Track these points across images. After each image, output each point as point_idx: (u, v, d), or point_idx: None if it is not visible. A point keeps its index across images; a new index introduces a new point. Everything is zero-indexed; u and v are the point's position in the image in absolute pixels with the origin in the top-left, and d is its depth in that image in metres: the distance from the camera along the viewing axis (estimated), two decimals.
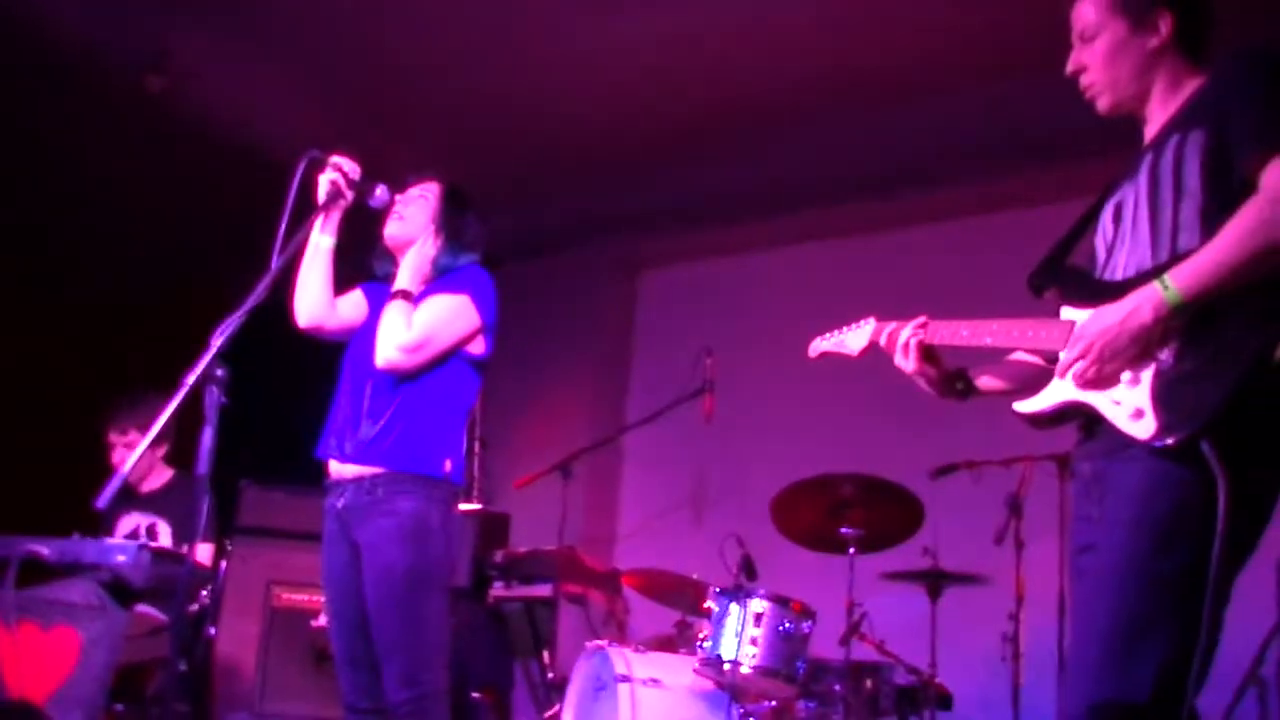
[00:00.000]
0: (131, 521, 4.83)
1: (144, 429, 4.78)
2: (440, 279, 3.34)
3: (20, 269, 7.30)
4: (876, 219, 6.55)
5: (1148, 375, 2.07)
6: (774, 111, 5.92)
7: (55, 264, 7.51)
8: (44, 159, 6.48)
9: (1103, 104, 2.36)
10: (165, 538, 4.77)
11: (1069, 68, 2.36)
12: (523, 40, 5.49)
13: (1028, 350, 2.40)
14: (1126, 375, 2.10)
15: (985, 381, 2.51)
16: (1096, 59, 2.32)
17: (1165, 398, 2.03)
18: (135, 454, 2.59)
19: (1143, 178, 2.23)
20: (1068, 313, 2.28)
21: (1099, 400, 2.14)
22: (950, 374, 2.51)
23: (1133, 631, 2.01)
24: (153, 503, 4.86)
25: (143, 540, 4.63)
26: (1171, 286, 2.03)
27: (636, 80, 5.76)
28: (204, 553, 4.82)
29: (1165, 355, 2.06)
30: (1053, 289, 2.35)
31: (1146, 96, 2.32)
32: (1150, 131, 2.33)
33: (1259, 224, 1.99)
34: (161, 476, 4.94)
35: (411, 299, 3.25)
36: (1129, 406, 2.08)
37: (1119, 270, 2.24)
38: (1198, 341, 2.03)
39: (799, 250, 6.90)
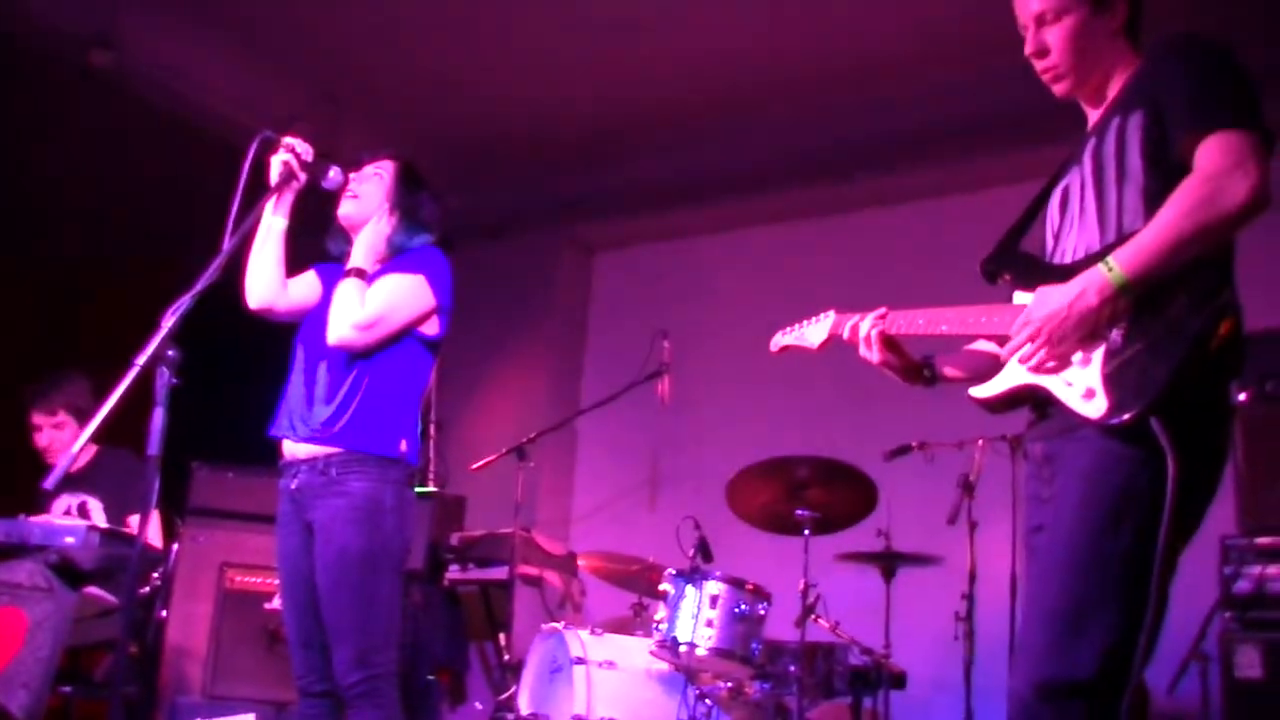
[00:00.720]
0: (63, 503, 4.75)
1: (74, 409, 4.73)
2: (396, 258, 3.32)
3: None
4: (831, 203, 6.58)
5: (1098, 356, 2.10)
6: (728, 96, 5.93)
7: None
8: None
9: (1063, 87, 2.35)
10: (97, 514, 4.70)
11: (1029, 48, 2.34)
12: (479, 23, 5.46)
13: (983, 336, 2.42)
14: (1078, 356, 2.13)
15: (950, 370, 2.53)
16: (1060, 41, 2.31)
17: (1115, 377, 2.06)
18: (85, 435, 2.52)
19: (1087, 162, 2.26)
20: (1020, 298, 2.30)
21: (1051, 382, 2.17)
22: (915, 363, 2.52)
23: (1080, 609, 2.04)
24: (80, 480, 4.76)
25: (74, 518, 4.58)
26: (1116, 268, 2.06)
27: (592, 64, 5.75)
28: (154, 533, 4.77)
29: (1115, 336, 2.08)
30: (1006, 274, 2.36)
31: (1105, 80, 2.33)
32: (1093, 114, 2.36)
33: (1195, 204, 2.02)
34: (86, 453, 4.81)
35: (366, 277, 3.23)
36: (1080, 387, 2.11)
37: (1068, 254, 2.27)
38: (1145, 321, 2.05)
39: (753, 233, 6.92)
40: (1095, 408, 2.07)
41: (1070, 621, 2.03)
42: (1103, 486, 2.06)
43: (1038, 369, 2.17)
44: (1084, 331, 2.10)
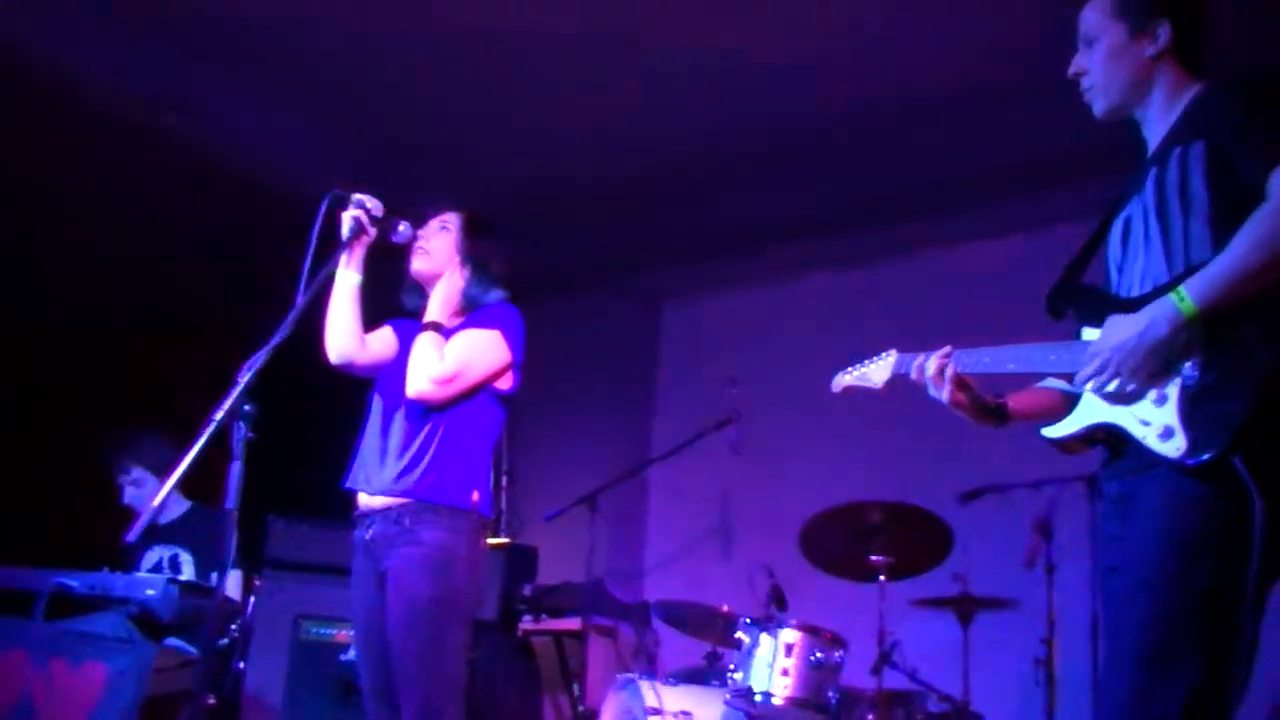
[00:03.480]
0: (155, 555, 4.87)
1: (150, 465, 4.86)
2: (472, 314, 3.37)
3: (33, 301, 7.39)
4: (895, 245, 6.55)
5: (1174, 392, 2.06)
6: (792, 141, 5.93)
7: (72, 297, 7.58)
8: (60, 195, 6.55)
9: (1099, 107, 2.39)
10: (188, 568, 4.81)
11: (1070, 70, 2.41)
12: (540, 77, 5.53)
13: (1051, 374, 2.39)
14: (1152, 394, 2.09)
15: (1019, 408, 2.49)
16: (1095, 63, 2.36)
17: (1192, 414, 2.02)
18: (165, 489, 2.59)
19: (1149, 192, 2.24)
20: (1088, 333, 2.27)
21: (1127, 420, 2.13)
22: (986, 402, 2.48)
23: (1162, 651, 1.99)
24: (173, 534, 4.89)
25: (165, 572, 4.68)
26: (1186, 298, 2.03)
27: (655, 114, 5.80)
28: (233, 586, 4.84)
29: (1189, 369, 2.05)
30: (1071, 310, 2.35)
31: (1144, 104, 2.35)
32: (1152, 142, 2.35)
33: (1268, 234, 2.00)
34: (179, 508, 4.98)
35: (443, 330, 3.29)
36: (1158, 425, 2.07)
37: (1134, 287, 2.24)
38: (1219, 354, 2.02)
39: (821, 278, 6.90)
40: (1174, 447, 2.03)
41: (1152, 664, 1.99)
42: (1180, 524, 2.02)
43: (1109, 399, 2.14)
44: (1155, 363, 2.07)
